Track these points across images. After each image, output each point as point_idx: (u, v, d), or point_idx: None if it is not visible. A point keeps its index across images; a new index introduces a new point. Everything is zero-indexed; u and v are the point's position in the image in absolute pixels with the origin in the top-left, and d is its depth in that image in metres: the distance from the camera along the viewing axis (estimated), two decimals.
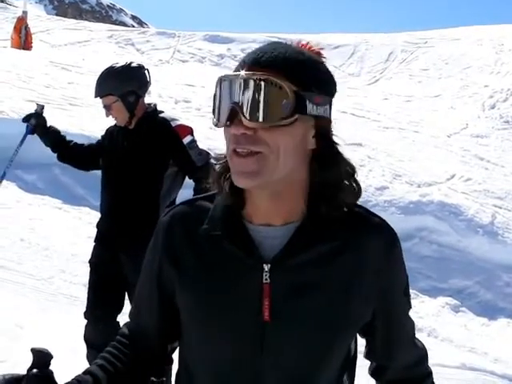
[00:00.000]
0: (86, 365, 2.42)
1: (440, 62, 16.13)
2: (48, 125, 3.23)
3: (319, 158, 1.00)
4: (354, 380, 1.15)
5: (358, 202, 1.07)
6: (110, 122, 2.96)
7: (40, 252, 5.11)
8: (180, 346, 1.14)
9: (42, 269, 4.79)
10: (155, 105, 2.95)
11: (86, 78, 9.67)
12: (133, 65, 2.92)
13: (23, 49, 13.16)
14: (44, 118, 3.24)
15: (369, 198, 7.11)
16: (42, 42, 15.78)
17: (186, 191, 2.78)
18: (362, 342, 1.15)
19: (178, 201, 2.87)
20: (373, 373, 1.18)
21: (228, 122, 0.97)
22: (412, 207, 7.23)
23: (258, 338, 1.01)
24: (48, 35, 16.94)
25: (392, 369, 1.15)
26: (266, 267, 1.01)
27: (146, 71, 2.94)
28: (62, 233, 5.66)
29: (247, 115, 0.94)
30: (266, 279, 1.00)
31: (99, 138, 3.11)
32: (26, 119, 3.25)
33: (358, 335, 1.13)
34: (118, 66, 2.89)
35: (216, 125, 1.00)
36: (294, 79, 0.95)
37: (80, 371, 1.09)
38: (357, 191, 1.04)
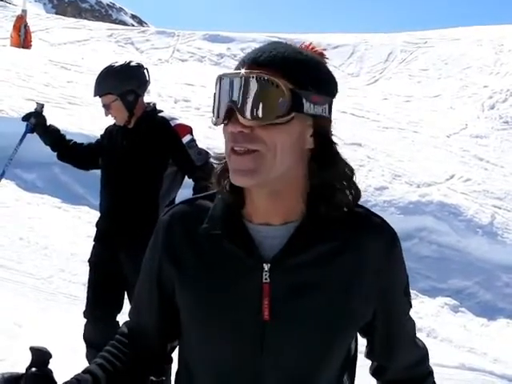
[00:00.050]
0: (85, 364, 2.41)
1: (439, 62, 16.12)
2: (48, 124, 3.23)
3: (317, 158, 1.00)
4: (354, 380, 1.15)
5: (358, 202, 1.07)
6: (110, 121, 2.96)
7: (39, 251, 5.11)
8: (180, 346, 1.14)
9: (42, 268, 4.79)
10: (154, 104, 2.95)
11: (86, 77, 9.67)
12: (132, 64, 2.92)
13: (22, 47, 13.14)
14: (44, 116, 3.24)
15: (368, 198, 7.11)
16: (42, 40, 15.75)
17: (185, 191, 2.77)
18: (362, 342, 1.15)
19: (177, 200, 2.87)
20: (373, 373, 1.18)
21: (226, 121, 0.97)
22: (411, 207, 7.24)
23: (257, 338, 1.01)
24: (47, 34, 16.91)
25: (392, 369, 1.15)
26: (266, 267, 1.01)
27: (145, 70, 2.94)
28: (62, 232, 5.66)
29: (243, 113, 0.95)
30: (266, 279, 1.00)
31: (98, 137, 3.11)
32: (26, 118, 3.25)
33: (358, 335, 1.13)
34: (117, 65, 2.88)
35: (215, 123, 1.00)
36: (290, 78, 0.96)
37: (79, 370, 1.09)
38: (356, 192, 1.04)
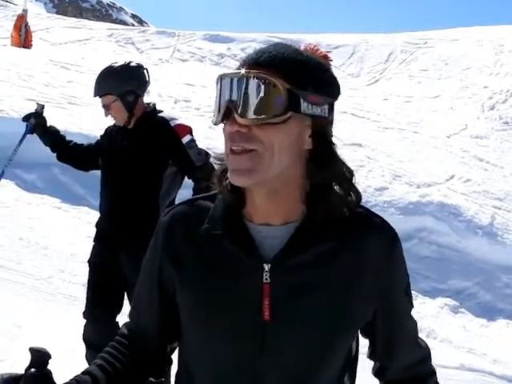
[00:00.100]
0: (84, 365, 2.41)
1: (440, 63, 16.13)
2: (48, 124, 3.23)
3: (315, 158, 1.00)
4: (354, 380, 1.15)
5: None
6: (109, 121, 2.96)
7: (39, 251, 5.11)
8: (180, 347, 1.14)
9: (41, 268, 4.78)
10: (154, 104, 2.95)
11: (86, 77, 9.67)
12: (132, 64, 2.92)
13: (23, 47, 13.14)
14: (44, 117, 3.24)
15: (368, 198, 7.11)
16: (42, 40, 15.76)
17: (185, 191, 2.77)
18: (363, 343, 1.15)
19: (177, 201, 2.87)
20: (376, 373, 1.18)
21: (225, 120, 0.98)
22: (411, 208, 7.24)
23: (258, 338, 1.01)
24: (48, 33, 16.93)
25: (393, 369, 1.15)
26: (267, 267, 1.01)
27: (145, 71, 2.94)
28: (61, 232, 5.66)
29: (239, 112, 0.96)
30: (266, 279, 1.01)
31: (98, 137, 3.11)
32: (26, 119, 3.25)
33: (360, 335, 1.13)
34: (117, 65, 2.88)
35: (214, 123, 1.01)
36: (288, 77, 0.96)
37: (79, 371, 1.09)
38: (356, 194, 1.04)
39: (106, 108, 2.86)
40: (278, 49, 1.00)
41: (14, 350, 3.19)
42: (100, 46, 16.33)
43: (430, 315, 5.48)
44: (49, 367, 1.01)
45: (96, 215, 3.17)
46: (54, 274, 4.71)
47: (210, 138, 7.05)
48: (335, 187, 1.03)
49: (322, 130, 1.01)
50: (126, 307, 2.70)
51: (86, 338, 2.84)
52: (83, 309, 2.91)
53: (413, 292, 1.15)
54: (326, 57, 1.06)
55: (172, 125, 2.83)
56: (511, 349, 5.05)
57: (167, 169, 2.83)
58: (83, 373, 1.08)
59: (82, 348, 2.87)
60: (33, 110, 3.28)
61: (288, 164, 0.99)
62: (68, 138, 3.24)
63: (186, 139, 2.82)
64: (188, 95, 10.52)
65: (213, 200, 1.09)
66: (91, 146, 3.13)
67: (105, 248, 2.90)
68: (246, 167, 0.96)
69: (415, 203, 7.30)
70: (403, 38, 18.23)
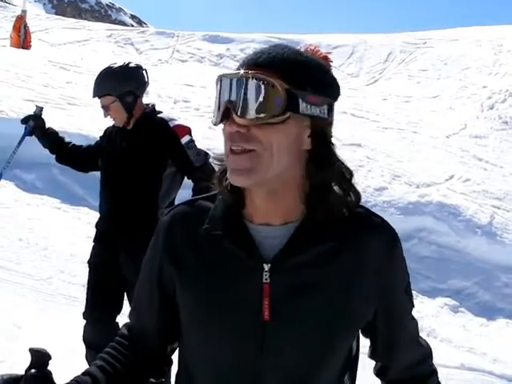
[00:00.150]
0: (84, 365, 2.41)
1: (439, 63, 16.14)
2: (46, 126, 3.23)
3: (314, 159, 1.00)
4: (355, 380, 1.15)
5: None
6: (108, 122, 2.96)
7: (39, 252, 5.11)
8: (180, 347, 1.14)
9: (41, 269, 4.78)
10: (153, 105, 2.95)
11: (85, 78, 9.67)
12: (131, 65, 2.92)
13: (22, 48, 13.14)
14: (43, 119, 3.23)
15: (368, 198, 7.11)
16: (41, 41, 15.75)
17: (185, 191, 2.77)
18: (364, 343, 1.15)
19: (177, 201, 2.87)
20: (377, 373, 1.18)
21: (224, 121, 0.98)
22: (411, 208, 7.24)
23: (258, 338, 1.01)
24: (47, 34, 16.92)
25: (395, 368, 1.15)
26: (266, 267, 1.01)
27: (144, 71, 2.94)
28: (61, 233, 5.66)
29: (238, 112, 0.96)
30: (266, 279, 1.01)
31: (97, 137, 3.11)
32: (25, 121, 3.25)
33: (360, 335, 1.13)
34: (116, 66, 2.88)
35: (214, 123, 1.01)
36: (287, 78, 0.97)
37: (79, 372, 1.09)
38: (355, 194, 1.04)
39: (105, 109, 2.86)
40: (277, 50, 1.00)
41: (14, 350, 3.19)
42: (99, 46, 16.33)
43: (430, 315, 5.48)
44: (49, 368, 1.02)
45: (96, 216, 3.17)
46: (53, 275, 4.71)
47: (210, 139, 7.05)
48: (335, 187, 1.03)
49: (321, 131, 1.01)
50: (126, 307, 2.70)
51: (86, 339, 2.84)
52: (83, 309, 2.91)
53: (413, 292, 1.15)
54: (326, 58, 1.07)
55: (171, 125, 2.83)
56: (511, 348, 5.06)
57: (166, 169, 2.83)
58: (83, 373, 1.08)
59: (81, 348, 2.87)
60: (31, 112, 3.27)
61: (287, 164, 0.99)
62: (67, 139, 3.24)
63: (185, 139, 2.82)
64: (187, 96, 10.52)
65: (213, 200, 1.09)
66: (90, 147, 3.13)
67: (104, 248, 2.90)
68: (246, 167, 0.97)
69: (415, 203, 7.31)
70: (402, 38, 18.23)
